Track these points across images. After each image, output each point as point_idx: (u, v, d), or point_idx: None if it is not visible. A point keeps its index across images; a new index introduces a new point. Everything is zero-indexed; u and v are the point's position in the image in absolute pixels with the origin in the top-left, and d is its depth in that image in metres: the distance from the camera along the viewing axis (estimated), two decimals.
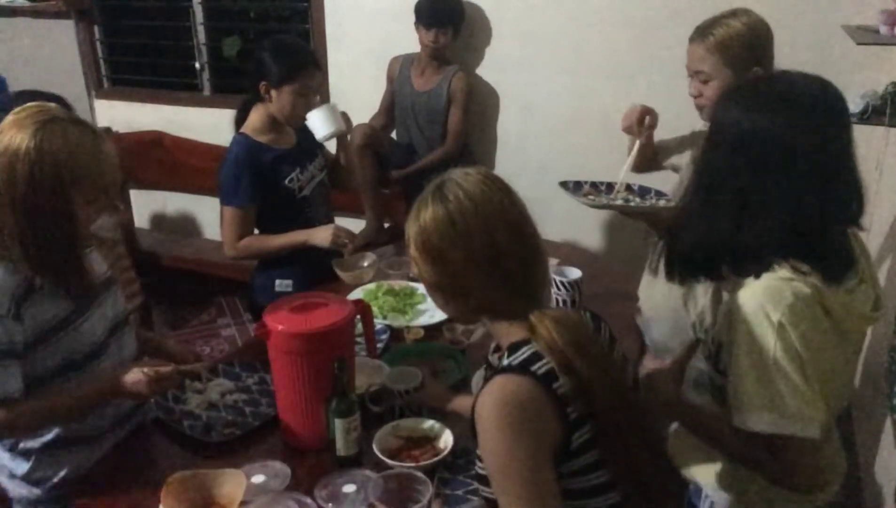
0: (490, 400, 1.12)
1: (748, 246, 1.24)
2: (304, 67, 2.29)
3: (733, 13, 1.86)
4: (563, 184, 2.08)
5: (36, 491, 1.67)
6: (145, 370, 1.57)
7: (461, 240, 1.17)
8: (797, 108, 1.22)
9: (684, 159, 2.10)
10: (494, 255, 1.17)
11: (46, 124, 1.47)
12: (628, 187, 2.05)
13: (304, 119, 2.34)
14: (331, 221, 2.53)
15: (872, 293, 1.32)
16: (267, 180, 2.32)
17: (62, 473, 1.65)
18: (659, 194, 2.03)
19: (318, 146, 2.52)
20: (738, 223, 1.24)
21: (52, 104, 1.56)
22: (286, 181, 2.35)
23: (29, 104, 1.53)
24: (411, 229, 1.22)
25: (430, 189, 1.23)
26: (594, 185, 2.13)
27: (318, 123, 2.37)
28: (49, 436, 1.63)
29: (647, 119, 2.07)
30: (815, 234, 1.23)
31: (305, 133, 2.47)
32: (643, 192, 2.06)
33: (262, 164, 2.31)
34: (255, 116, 2.35)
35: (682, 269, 1.33)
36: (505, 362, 1.17)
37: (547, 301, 1.32)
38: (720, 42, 1.82)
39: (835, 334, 1.25)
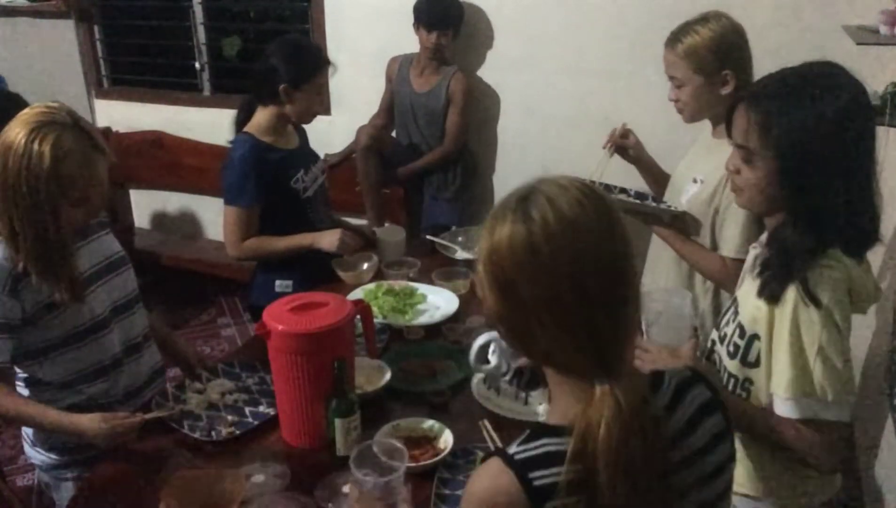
0: (477, 487, 0.94)
1: (858, 227, 1.28)
2: (321, 65, 2.32)
3: (705, 18, 1.89)
4: None
5: (54, 457, 1.78)
6: (106, 421, 1.57)
7: (541, 275, 0.91)
8: (847, 88, 1.25)
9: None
10: (579, 301, 0.90)
11: (43, 127, 1.53)
12: (623, 191, 2.07)
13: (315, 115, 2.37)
14: (332, 222, 2.54)
15: (871, 276, 1.36)
16: (273, 181, 2.31)
17: (73, 441, 1.72)
18: (656, 200, 2.05)
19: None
20: (847, 210, 1.26)
21: (60, 107, 1.60)
22: (292, 182, 2.35)
23: (39, 105, 1.59)
24: (482, 244, 0.96)
25: (512, 198, 0.95)
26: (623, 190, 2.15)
27: (390, 249, 2.52)
28: (64, 404, 1.71)
29: (629, 137, 2.17)
30: (866, 209, 1.29)
31: (304, 133, 2.48)
32: (641, 196, 2.07)
33: (268, 164, 2.30)
34: (262, 117, 2.34)
35: (788, 278, 1.30)
36: (516, 445, 0.94)
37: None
38: (688, 49, 1.87)
39: (851, 312, 1.31)
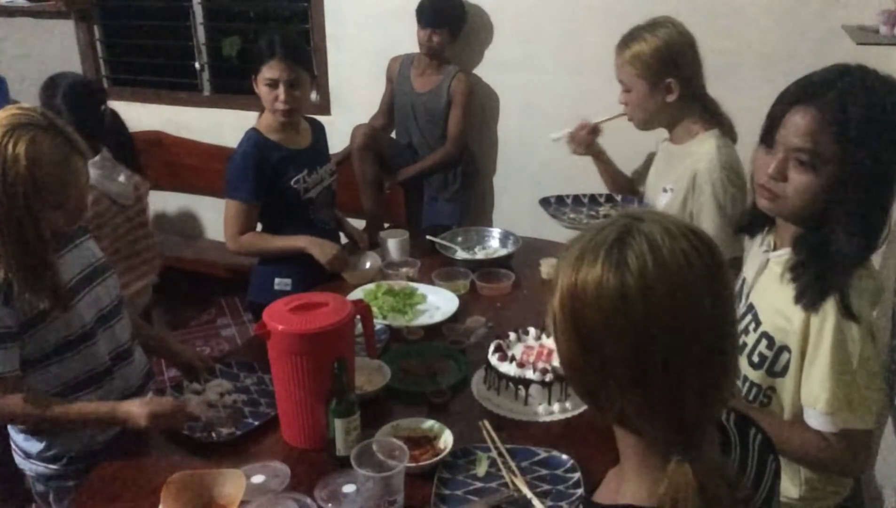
0: None
1: (877, 237, 1.26)
2: (268, 58, 2.26)
3: (654, 24, 1.91)
4: (544, 202, 2.13)
5: (53, 467, 1.76)
6: (146, 405, 1.61)
7: (629, 333, 0.78)
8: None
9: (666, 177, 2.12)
10: (669, 367, 0.78)
11: (17, 129, 1.49)
12: (610, 199, 2.09)
13: (283, 112, 2.30)
14: (335, 225, 2.55)
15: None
16: (272, 179, 2.32)
17: (75, 449, 1.72)
18: (642, 204, 2.07)
19: (327, 152, 2.55)
20: (881, 217, 1.25)
21: (35, 108, 1.57)
22: (292, 182, 2.35)
23: (12, 106, 1.55)
24: (562, 280, 0.82)
25: (608, 235, 0.81)
26: (577, 199, 2.21)
27: (393, 248, 2.52)
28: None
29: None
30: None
31: (320, 138, 2.48)
32: (627, 201, 2.10)
33: (269, 162, 2.32)
34: (267, 113, 2.36)
35: (832, 281, 1.26)
36: None
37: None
38: (634, 55, 1.90)
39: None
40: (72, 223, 1.65)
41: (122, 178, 2.56)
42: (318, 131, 2.52)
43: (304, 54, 2.41)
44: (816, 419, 1.29)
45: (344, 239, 2.68)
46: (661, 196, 1.99)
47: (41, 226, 1.54)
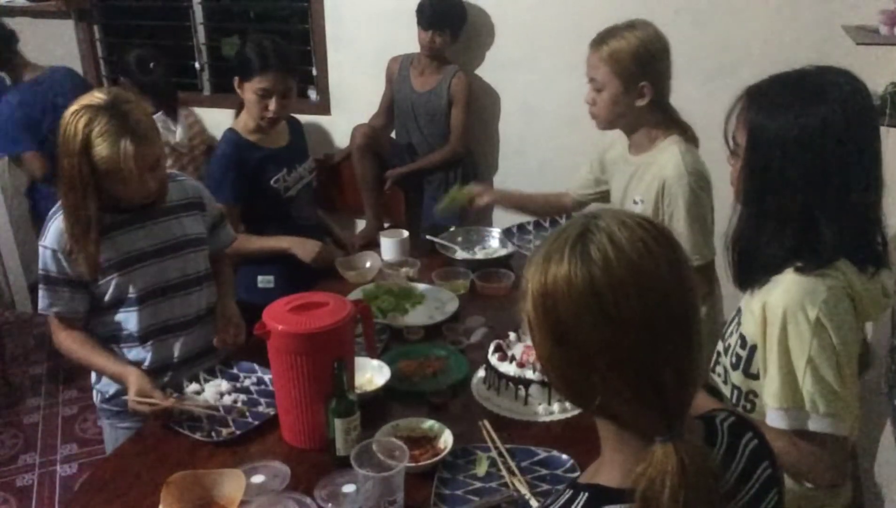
0: None
1: (818, 244, 1.24)
2: (263, 68, 2.24)
3: (632, 25, 1.91)
4: (507, 232, 2.37)
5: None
6: (136, 395, 1.72)
7: (604, 322, 0.82)
8: (839, 99, 1.22)
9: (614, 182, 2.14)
10: (645, 351, 0.82)
11: (84, 109, 1.64)
12: (554, 223, 2.15)
13: (269, 120, 2.31)
14: (317, 222, 2.55)
15: (879, 283, 1.34)
16: (252, 180, 2.32)
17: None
18: None
19: (306, 149, 2.55)
20: (806, 223, 1.24)
21: (110, 91, 1.70)
22: (272, 182, 2.36)
23: (97, 89, 1.75)
24: (532, 285, 0.86)
25: (567, 234, 0.86)
26: (538, 224, 2.36)
27: (387, 249, 2.53)
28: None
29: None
30: (863, 221, 1.26)
31: (297, 135, 2.47)
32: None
33: (248, 163, 2.32)
34: (244, 113, 2.36)
35: (757, 276, 1.31)
36: (562, 500, 0.88)
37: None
38: (612, 53, 1.88)
39: (856, 322, 1.28)
40: (139, 200, 1.78)
41: (179, 131, 3.34)
42: (296, 129, 2.51)
43: (294, 60, 2.40)
44: (771, 415, 1.27)
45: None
46: (633, 207, 2.00)
47: (89, 201, 1.68)
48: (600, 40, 1.91)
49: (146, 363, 1.88)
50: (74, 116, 1.63)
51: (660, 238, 0.84)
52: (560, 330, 0.84)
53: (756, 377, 1.34)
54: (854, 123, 1.22)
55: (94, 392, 2.00)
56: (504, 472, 1.51)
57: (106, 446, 2.09)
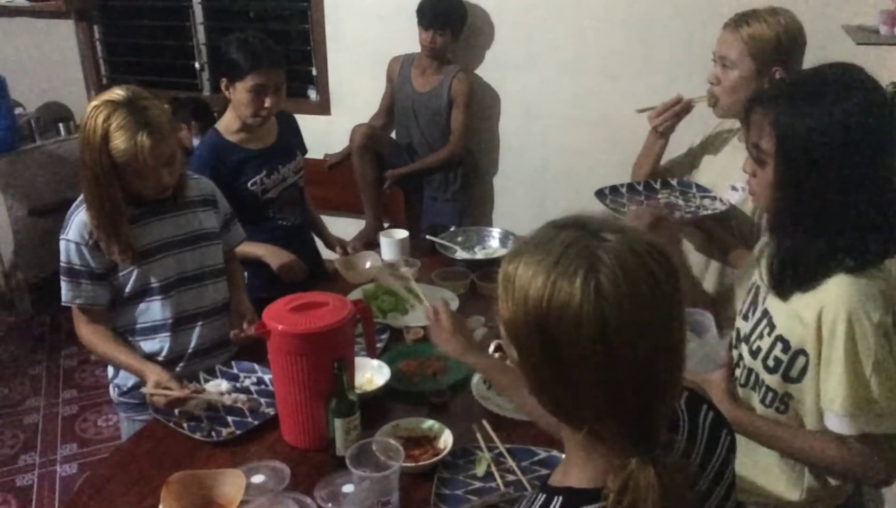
0: None
1: (867, 241, 1.23)
2: (254, 66, 2.22)
3: (774, 11, 1.84)
4: (600, 194, 2.02)
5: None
6: (153, 385, 1.78)
7: (607, 359, 0.80)
8: (866, 89, 1.23)
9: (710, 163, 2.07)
10: (641, 388, 0.82)
11: (104, 104, 1.69)
12: (666, 184, 2.03)
13: (262, 118, 2.30)
14: (303, 221, 2.54)
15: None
16: (227, 182, 2.27)
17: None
18: (700, 189, 2.00)
19: (296, 148, 2.52)
20: (852, 221, 1.23)
21: (130, 88, 1.74)
22: (248, 184, 2.34)
23: (118, 86, 1.75)
24: (531, 290, 0.81)
25: (573, 254, 0.81)
26: (631, 187, 2.06)
27: (387, 249, 2.53)
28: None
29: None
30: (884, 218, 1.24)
31: (288, 132, 2.46)
32: (684, 186, 2.02)
33: (224, 165, 2.29)
34: (229, 114, 2.34)
35: (803, 280, 1.28)
36: (536, 506, 0.88)
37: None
38: (753, 34, 1.82)
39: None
40: (156, 193, 1.81)
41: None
42: (286, 125, 2.48)
43: (281, 54, 2.36)
44: (834, 421, 1.26)
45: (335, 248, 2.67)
46: (730, 194, 1.95)
47: (114, 193, 1.73)
48: (740, 20, 1.84)
49: (164, 353, 1.91)
50: (95, 111, 1.68)
51: (665, 267, 0.82)
52: (559, 357, 0.82)
53: (795, 380, 1.32)
54: (883, 113, 1.22)
55: (111, 387, 2.02)
56: (496, 474, 1.51)
57: (123, 440, 2.08)
